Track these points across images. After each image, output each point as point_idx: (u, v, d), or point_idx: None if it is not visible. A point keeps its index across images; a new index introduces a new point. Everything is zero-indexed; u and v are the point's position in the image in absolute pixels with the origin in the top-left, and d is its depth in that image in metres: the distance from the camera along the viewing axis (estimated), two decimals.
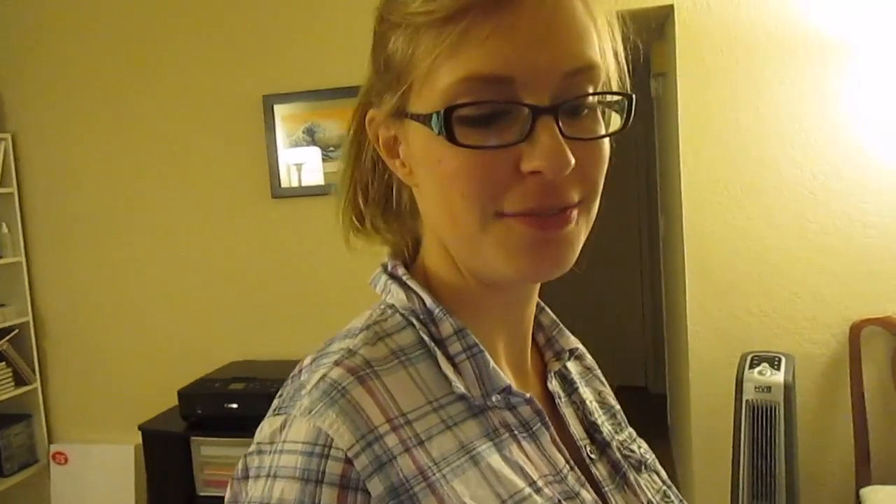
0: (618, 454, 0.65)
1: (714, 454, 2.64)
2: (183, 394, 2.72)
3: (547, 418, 0.59)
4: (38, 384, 3.35)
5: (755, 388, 2.42)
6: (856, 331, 2.55)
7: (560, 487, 0.56)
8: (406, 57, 0.52)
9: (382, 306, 0.60)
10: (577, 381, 0.69)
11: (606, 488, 0.61)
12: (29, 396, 3.33)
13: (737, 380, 2.47)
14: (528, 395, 0.58)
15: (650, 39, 3.32)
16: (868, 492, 2.41)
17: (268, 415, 0.55)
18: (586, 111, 0.52)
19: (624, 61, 0.58)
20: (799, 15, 2.51)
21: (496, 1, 0.48)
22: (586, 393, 0.69)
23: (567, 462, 0.59)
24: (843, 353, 2.57)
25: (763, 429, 2.40)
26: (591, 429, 0.65)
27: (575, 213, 0.53)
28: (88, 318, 3.31)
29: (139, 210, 3.19)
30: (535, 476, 0.55)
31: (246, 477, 0.52)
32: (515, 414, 0.57)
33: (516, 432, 0.57)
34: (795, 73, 2.54)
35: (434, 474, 0.51)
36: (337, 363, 0.53)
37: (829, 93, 2.52)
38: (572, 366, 0.70)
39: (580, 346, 0.70)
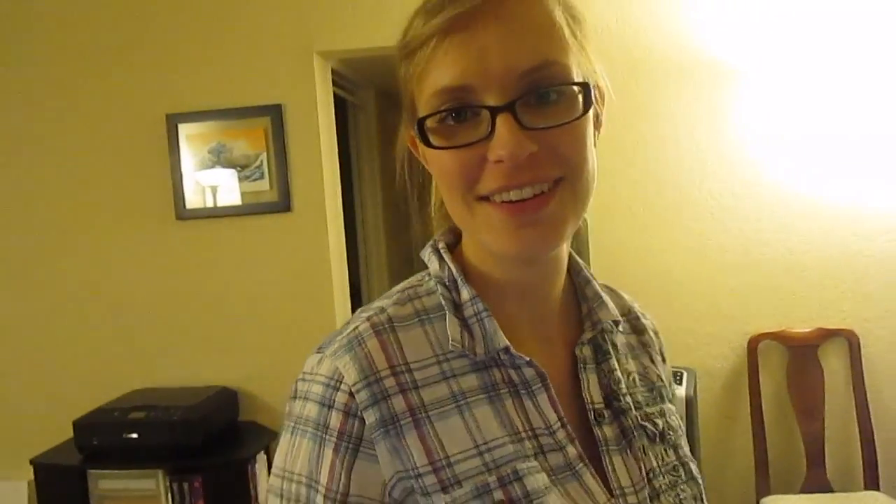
0: (632, 422, 0.69)
1: None
2: (78, 424, 2.59)
3: (547, 380, 0.66)
4: None
5: None
6: (753, 344, 2.65)
7: (547, 440, 0.65)
8: (404, 81, 0.64)
9: (423, 273, 0.72)
10: (616, 351, 0.73)
11: (603, 448, 0.67)
12: None
13: None
14: (527, 358, 0.65)
15: None
16: (768, 501, 2.49)
17: (312, 351, 0.68)
18: (556, 99, 0.59)
19: (588, 52, 0.64)
20: (693, 40, 2.63)
21: (451, 27, 0.57)
22: (625, 364, 0.74)
23: (560, 419, 0.65)
24: (741, 366, 2.67)
25: None
26: (612, 395, 0.70)
27: (552, 196, 0.60)
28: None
29: (35, 231, 3.05)
30: (521, 428, 0.64)
31: (294, 397, 0.67)
32: (519, 373, 0.66)
33: (519, 388, 0.66)
34: (691, 95, 2.64)
35: (420, 414, 0.63)
36: (368, 318, 0.66)
37: (723, 114, 2.64)
38: (621, 337, 0.76)
39: (622, 319, 0.75)
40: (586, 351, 0.71)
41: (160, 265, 2.94)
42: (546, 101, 0.59)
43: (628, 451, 0.68)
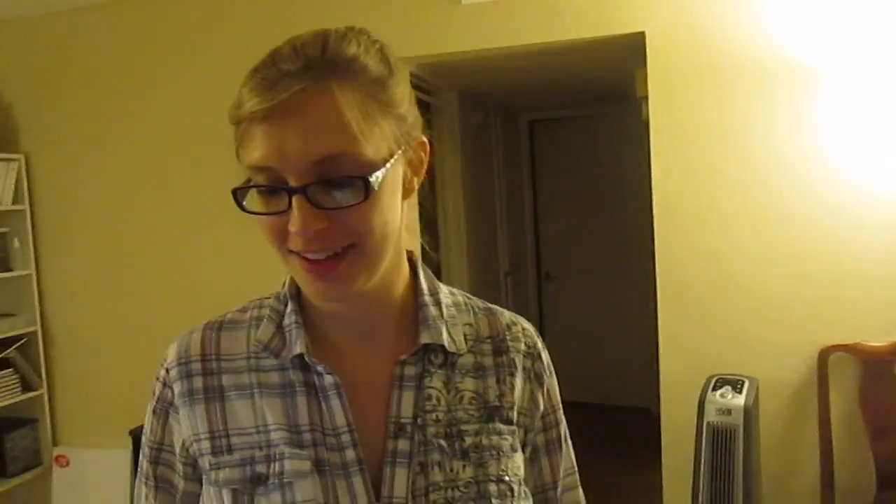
0: (433, 437, 0.76)
1: (681, 476, 2.65)
2: None
3: (341, 388, 0.75)
4: (44, 390, 3.52)
5: (716, 410, 2.43)
6: (824, 356, 2.55)
7: (330, 440, 0.74)
8: (235, 139, 0.72)
9: (278, 290, 0.84)
10: (447, 370, 0.80)
11: (388, 460, 0.75)
12: (35, 401, 3.51)
13: (699, 402, 2.49)
14: (321, 367, 0.76)
15: (636, 64, 3.37)
16: None
17: None
18: (343, 185, 0.68)
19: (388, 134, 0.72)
20: (766, 41, 2.55)
21: (258, 116, 0.67)
22: (458, 381, 0.80)
23: (348, 425, 0.75)
24: (810, 378, 2.57)
25: (722, 452, 2.41)
26: (419, 411, 0.77)
27: (343, 258, 0.70)
28: (92, 328, 3.48)
29: (141, 226, 3.35)
30: (305, 423, 0.75)
31: None
32: (319, 379, 0.76)
33: (317, 392, 0.76)
34: (764, 97, 2.57)
35: (214, 393, 0.78)
36: (210, 319, 0.84)
37: (798, 116, 2.54)
38: (467, 357, 0.82)
39: (446, 342, 0.80)
40: (408, 369, 0.78)
41: (263, 257, 3.14)
42: (336, 186, 0.68)
43: (416, 465, 0.75)
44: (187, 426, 0.78)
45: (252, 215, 0.71)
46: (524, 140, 5.56)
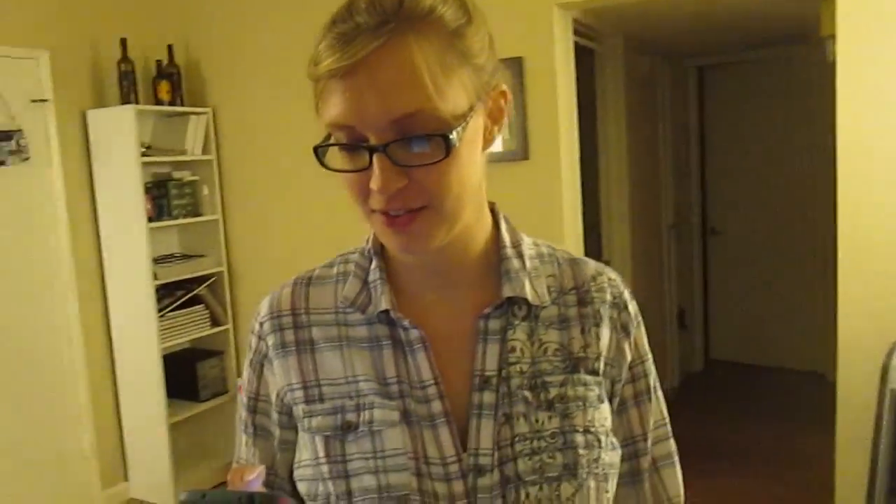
0: (517, 389, 0.76)
1: (857, 444, 2.49)
2: None
3: (427, 342, 0.76)
4: (230, 325, 3.87)
5: None
6: None
7: (417, 393, 0.76)
8: (314, 95, 0.73)
9: (363, 244, 0.86)
10: (531, 322, 0.79)
11: (474, 412, 0.75)
12: (222, 336, 3.86)
13: (882, 368, 2.32)
14: (406, 321, 0.77)
15: (817, 1, 3.09)
16: None
17: None
18: (423, 143, 0.67)
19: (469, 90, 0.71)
20: None
21: (336, 73, 0.67)
22: (542, 334, 0.79)
23: (434, 378, 0.76)
24: None
25: None
26: (503, 364, 0.77)
27: (418, 216, 0.70)
28: (272, 269, 3.76)
29: (316, 173, 3.54)
30: (392, 375, 0.77)
31: None
32: (405, 333, 0.78)
33: (404, 346, 0.77)
34: None
35: (305, 346, 0.81)
36: (298, 274, 0.87)
37: None
38: (551, 309, 0.80)
39: (529, 295, 0.79)
40: (492, 323, 0.78)
41: None
42: (417, 143, 0.67)
43: (501, 416, 0.75)
44: (281, 377, 0.81)
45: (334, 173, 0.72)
46: (692, 87, 5.28)
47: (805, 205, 4.80)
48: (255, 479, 0.67)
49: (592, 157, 3.91)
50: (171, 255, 3.81)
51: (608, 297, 0.83)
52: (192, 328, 3.72)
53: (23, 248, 3.29)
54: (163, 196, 3.62)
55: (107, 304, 3.61)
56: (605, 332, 0.82)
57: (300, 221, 3.65)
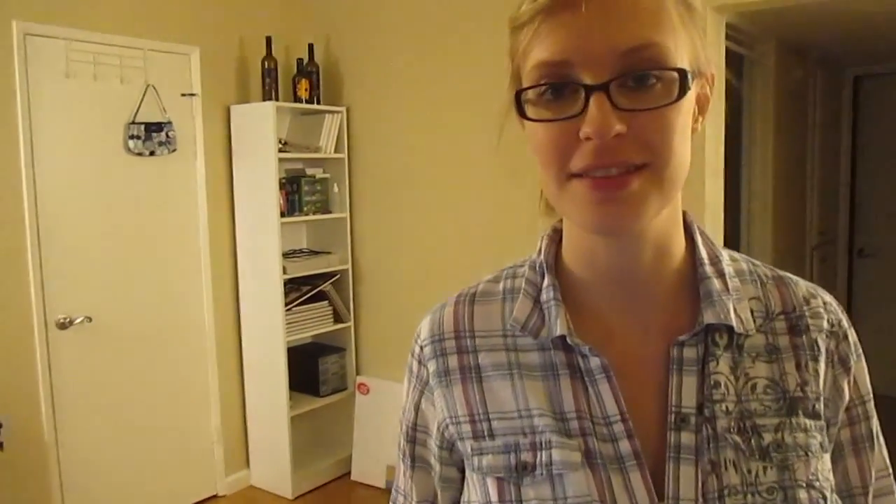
0: (724, 433, 0.65)
1: None
2: None
3: (611, 371, 0.66)
4: (351, 323, 3.90)
5: None
6: None
7: (601, 430, 0.66)
8: (511, 54, 0.66)
9: (531, 254, 0.77)
10: (735, 353, 0.68)
11: (671, 454, 0.64)
12: (344, 332, 3.90)
13: None
14: (587, 347, 0.67)
15: None
16: None
17: None
18: (652, 83, 0.58)
19: (696, 38, 0.63)
20: None
21: (557, 5, 0.59)
22: (749, 367, 0.68)
23: (621, 413, 0.66)
24: None
25: None
26: (705, 400, 0.66)
27: (637, 177, 0.60)
28: (394, 269, 3.76)
29: (443, 178, 3.52)
30: (572, 409, 0.67)
31: None
32: (584, 361, 0.68)
33: (583, 375, 0.68)
34: None
35: (470, 373, 0.72)
36: (460, 291, 0.78)
37: None
38: (757, 338, 0.69)
39: (734, 322, 0.67)
40: (688, 351, 0.67)
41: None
42: (642, 84, 0.58)
43: (706, 463, 0.64)
44: (443, 408, 0.73)
45: (532, 127, 0.62)
46: (847, 97, 4.91)
47: None
48: None
49: (735, 169, 3.68)
50: (300, 251, 3.88)
51: (825, 324, 0.71)
52: (316, 323, 3.77)
53: (164, 234, 3.43)
54: (295, 192, 3.69)
55: (238, 295, 3.71)
56: (822, 367, 0.69)
57: (425, 224, 3.63)
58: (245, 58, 3.67)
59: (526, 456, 0.67)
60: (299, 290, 3.69)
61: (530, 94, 0.62)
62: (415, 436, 0.78)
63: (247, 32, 3.66)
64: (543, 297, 0.71)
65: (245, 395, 3.76)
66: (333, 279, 3.82)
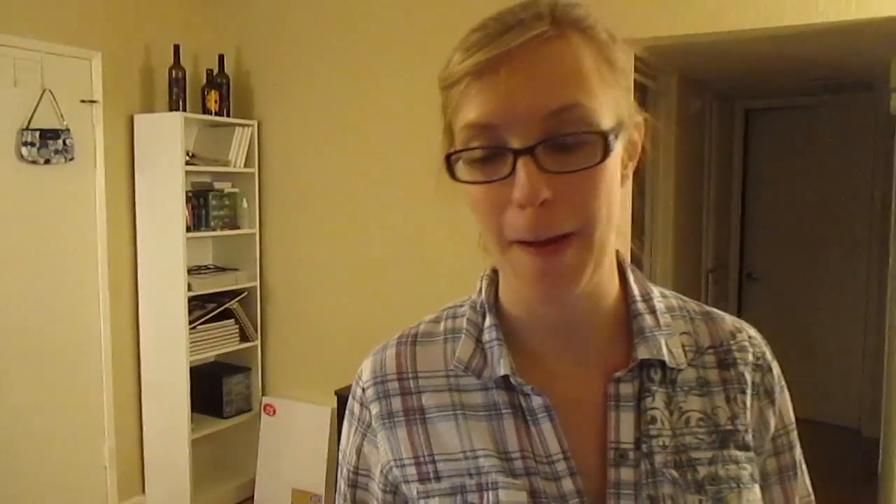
0: (662, 468, 0.67)
1: None
2: None
3: (552, 411, 0.68)
4: (258, 341, 3.79)
5: None
6: None
7: (544, 468, 0.67)
8: (444, 110, 0.67)
9: (472, 295, 0.77)
10: (669, 388, 0.70)
11: (612, 490, 0.66)
12: (250, 352, 3.78)
13: None
14: (529, 388, 0.68)
15: (890, 54, 3.02)
16: None
17: None
18: (576, 145, 0.60)
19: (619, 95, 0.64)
20: None
21: (484, 69, 0.60)
22: (682, 401, 0.70)
23: (563, 452, 0.67)
24: None
25: None
26: (642, 436, 0.68)
27: (569, 245, 0.62)
28: (304, 288, 3.69)
29: (357, 195, 3.49)
30: (515, 449, 0.68)
31: None
32: (527, 400, 0.69)
33: (526, 414, 0.69)
34: None
35: (414, 415, 0.72)
36: (402, 332, 0.78)
37: None
38: (689, 372, 0.72)
39: (666, 357, 0.70)
40: (624, 387, 0.69)
41: (465, 229, 3.18)
42: (567, 147, 0.60)
43: (645, 498, 0.66)
44: (387, 450, 0.73)
45: (464, 189, 0.64)
46: (738, 129, 5.21)
47: (850, 255, 4.70)
48: None
49: (638, 195, 3.83)
50: (206, 267, 3.75)
51: (751, 357, 0.75)
52: (222, 342, 3.65)
53: (59, 247, 3.23)
54: (202, 206, 3.56)
55: (137, 312, 3.54)
56: (749, 399, 0.72)
57: (336, 242, 3.58)
58: (151, 66, 3.53)
59: (473, 497, 0.67)
60: (204, 308, 3.56)
61: (462, 155, 0.64)
62: (356, 479, 0.77)
63: (153, 39, 3.52)
64: (485, 337, 0.72)
65: (143, 417, 3.59)
66: (240, 297, 3.71)
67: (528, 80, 0.59)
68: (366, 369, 0.77)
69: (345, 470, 0.78)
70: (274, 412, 3.70)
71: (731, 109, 5.11)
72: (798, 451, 0.77)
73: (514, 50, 0.60)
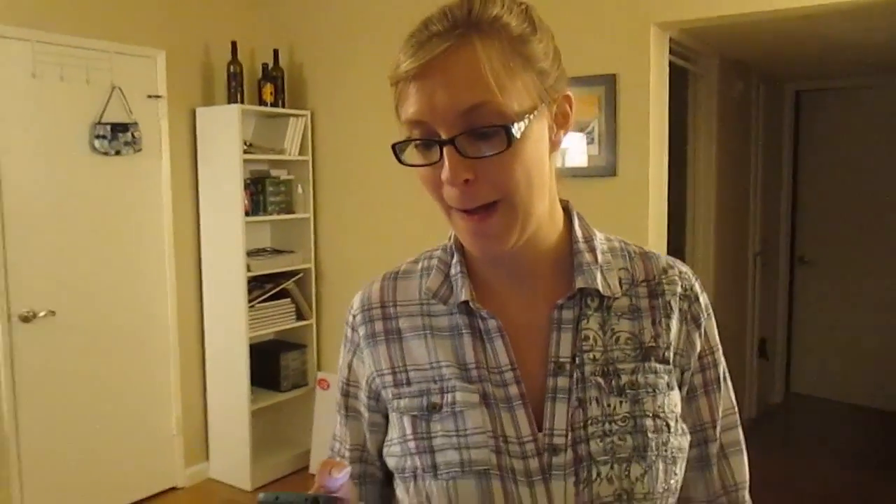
0: (591, 375, 0.81)
1: None
2: None
3: (503, 331, 0.83)
4: (313, 320, 4.01)
5: None
6: None
7: (494, 377, 0.82)
8: (394, 102, 0.80)
9: (444, 242, 0.93)
10: (603, 313, 0.84)
11: (549, 395, 0.81)
12: (305, 329, 4.01)
13: None
14: (484, 311, 0.83)
15: None
16: None
17: None
18: (489, 134, 0.73)
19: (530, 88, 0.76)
20: None
21: (413, 75, 0.74)
22: (614, 323, 0.84)
23: (511, 364, 0.82)
24: None
25: None
26: (577, 351, 0.82)
27: (494, 212, 0.76)
28: (356, 269, 3.88)
29: (402, 179, 3.65)
30: (471, 361, 0.83)
31: None
32: (484, 322, 0.84)
33: (482, 334, 0.84)
34: None
35: (393, 335, 0.88)
36: (387, 270, 0.94)
37: None
38: (623, 300, 0.85)
39: (601, 286, 0.83)
40: (565, 313, 0.83)
41: None
42: (481, 136, 0.73)
43: (574, 400, 0.80)
44: (370, 364, 0.89)
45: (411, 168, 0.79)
46: (788, 112, 5.16)
47: None
48: (341, 476, 0.72)
49: (681, 178, 3.88)
50: (264, 250, 3.98)
51: (679, 289, 0.88)
52: (278, 320, 3.88)
53: (129, 231, 3.51)
54: (259, 192, 3.79)
55: (201, 292, 3.80)
56: (675, 323, 0.86)
57: (385, 224, 3.76)
58: (211, 62, 3.77)
59: (435, 398, 0.83)
60: (262, 288, 3.80)
61: (401, 144, 0.79)
62: (348, 390, 0.94)
63: (212, 37, 3.76)
64: (452, 271, 0.88)
65: (206, 390, 3.85)
66: (296, 277, 3.93)
67: (445, 84, 0.73)
68: (356, 301, 0.93)
69: (340, 382, 0.95)
70: (328, 386, 3.91)
71: (780, 91, 5.07)
72: (722, 369, 0.90)
73: (432, 60, 0.73)
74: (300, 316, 3.98)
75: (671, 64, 3.26)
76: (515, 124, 0.73)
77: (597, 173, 3.15)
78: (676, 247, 3.82)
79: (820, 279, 5.16)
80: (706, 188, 3.97)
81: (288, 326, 3.93)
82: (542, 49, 0.78)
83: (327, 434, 3.84)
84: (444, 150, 0.74)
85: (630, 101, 3.08)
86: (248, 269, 3.67)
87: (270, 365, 3.88)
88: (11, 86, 3.05)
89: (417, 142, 0.77)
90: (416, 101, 0.75)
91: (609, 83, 3.09)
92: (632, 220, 3.09)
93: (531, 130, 0.76)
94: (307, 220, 3.97)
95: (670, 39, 3.19)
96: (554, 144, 0.81)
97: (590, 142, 3.19)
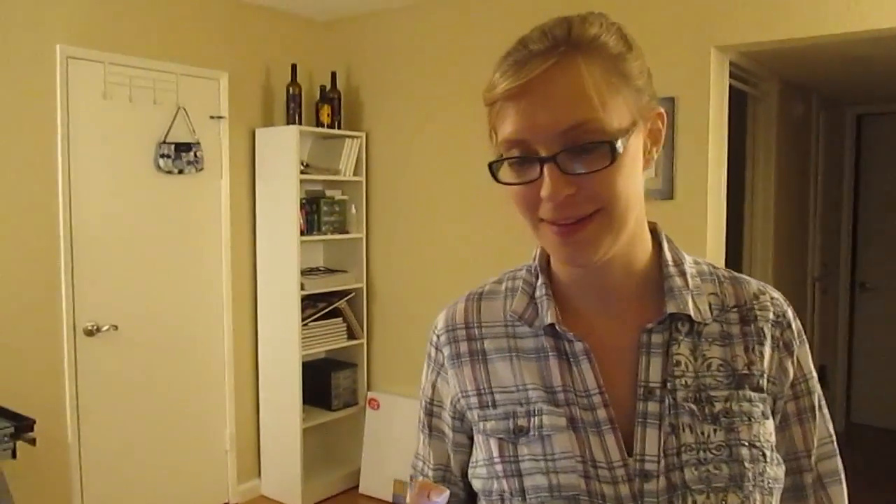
0: (683, 401, 0.79)
1: None
2: None
3: (590, 354, 0.82)
4: (364, 339, 4.04)
5: None
6: None
7: (582, 401, 0.81)
8: (488, 119, 0.81)
9: (528, 262, 0.93)
10: (694, 338, 0.82)
11: (639, 420, 0.80)
12: (356, 349, 4.04)
13: None
14: (571, 334, 0.83)
15: None
16: None
17: None
18: (590, 150, 0.74)
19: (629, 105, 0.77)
20: None
21: (512, 95, 0.75)
22: (705, 350, 0.82)
23: (599, 387, 0.81)
24: None
25: None
26: (668, 376, 0.81)
27: (590, 222, 0.76)
28: (407, 289, 3.90)
29: (454, 200, 3.68)
30: (558, 384, 0.83)
31: None
32: (570, 345, 0.83)
33: (569, 357, 0.83)
34: None
35: (478, 356, 0.89)
36: (471, 290, 0.95)
37: None
38: (714, 326, 0.84)
39: (692, 312, 0.82)
40: (655, 337, 0.82)
41: None
42: (583, 152, 0.73)
43: (667, 426, 0.78)
44: (455, 385, 0.89)
45: (505, 188, 0.79)
46: (849, 135, 5.05)
47: None
48: (440, 501, 0.72)
49: (738, 201, 3.82)
50: (317, 269, 4.03)
51: (771, 315, 0.86)
52: (330, 339, 3.91)
53: (189, 249, 3.59)
54: (314, 212, 3.85)
55: (256, 309, 3.86)
56: (768, 350, 0.84)
57: (436, 246, 3.78)
58: (271, 84, 3.86)
59: (522, 421, 0.83)
60: (315, 307, 3.84)
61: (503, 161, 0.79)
62: (432, 409, 0.94)
63: (273, 60, 3.85)
64: (537, 293, 0.87)
65: (259, 406, 3.89)
66: (348, 297, 3.96)
67: (544, 104, 0.73)
68: (440, 320, 0.94)
69: (423, 402, 0.95)
70: (378, 406, 3.92)
71: (841, 115, 4.97)
72: (816, 397, 0.88)
73: (533, 79, 0.73)
74: (351, 335, 4.01)
75: (730, 87, 3.23)
76: (618, 140, 0.74)
77: (654, 196, 3.12)
78: (734, 266, 3.75)
79: (881, 305, 5.01)
80: (765, 212, 3.89)
81: (339, 345, 3.96)
82: (637, 67, 0.78)
83: (377, 454, 3.88)
84: (545, 167, 0.74)
85: (689, 124, 3.05)
86: (302, 288, 3.71)
87: (322, 383, 3.91)
88: (84, 106, 3.16)
89: (514, 160, 0.77)
90: (514, 120, 0.75)
91: (668, 106, 3.07)
92: (689, 244, 3.01)
93: (630, 146, 0.76)
94: (360, 240, 4.01)
95: (730, 62, 3.16)
96: (647, 162, 0.81)
97: None
